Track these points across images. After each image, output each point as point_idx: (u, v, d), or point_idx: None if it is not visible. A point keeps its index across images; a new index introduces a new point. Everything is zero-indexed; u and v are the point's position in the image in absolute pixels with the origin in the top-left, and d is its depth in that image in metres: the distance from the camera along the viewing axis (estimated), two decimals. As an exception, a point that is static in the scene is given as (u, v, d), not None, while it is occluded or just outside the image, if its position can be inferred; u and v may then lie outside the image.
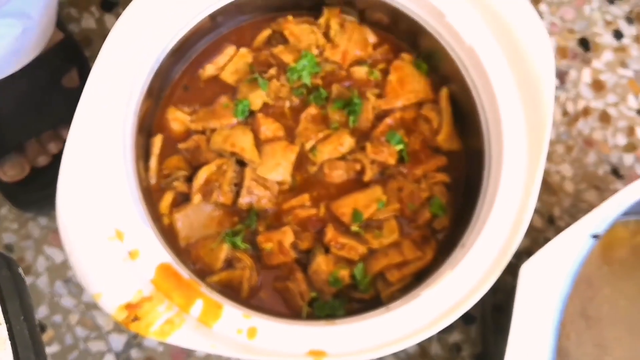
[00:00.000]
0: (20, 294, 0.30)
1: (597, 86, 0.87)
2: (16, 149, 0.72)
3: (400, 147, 0.68)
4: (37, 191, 0.73)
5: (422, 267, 0.67)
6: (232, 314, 0.56)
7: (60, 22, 0.77)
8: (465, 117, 0.70)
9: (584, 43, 0.88)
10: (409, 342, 0.56)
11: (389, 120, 0.69)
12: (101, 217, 0.56)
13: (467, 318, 0.79)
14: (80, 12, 0.82)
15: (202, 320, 0.55)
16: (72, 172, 0.57)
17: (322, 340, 0.56)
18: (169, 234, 0.65)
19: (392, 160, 0.68)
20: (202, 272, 0.65)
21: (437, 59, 0.71)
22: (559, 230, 0.82)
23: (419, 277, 0.67)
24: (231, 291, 0.65)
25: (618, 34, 0.88)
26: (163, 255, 0.57)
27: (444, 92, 0.71)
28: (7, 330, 0.29)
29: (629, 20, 0.89)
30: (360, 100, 0.70)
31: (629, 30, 0.89)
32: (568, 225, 0.83)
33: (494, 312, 0.79)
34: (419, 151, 0.70)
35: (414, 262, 0.67)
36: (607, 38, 0.88)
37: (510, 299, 0.77)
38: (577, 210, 0.83)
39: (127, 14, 0.63)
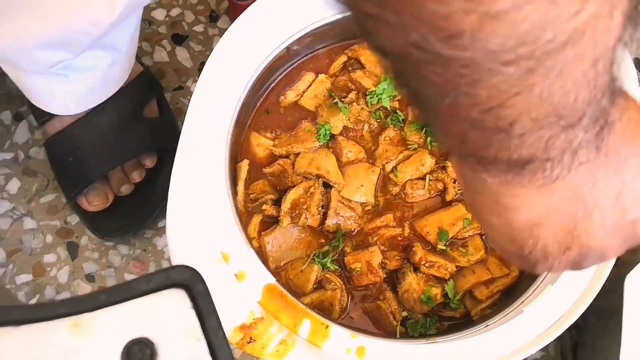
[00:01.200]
0: (215, 310, 0.31)
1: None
2: (101, 178, 0.73)
3: (481, 166, 0.70)
4: (120, 219, 0.75)
5: (510, 283, 0.68)
6: (340, 333, 0.56)
7: (137, 56, 0.79)
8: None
9: (636, 63, 0.90)
10: (517, 358, 0.56)
11: (468, 140, 0.71)
12: (207, 240, 0.57)
13: (545, 335, 0.79)
14: (152, 45, 0.84)
15: (310, 340, 0.56)
16: (179, 200, 0.58)
17: (431, 358, 0.56)
18: (259, 258, 0.66)
19: (473, 179, 0.69)
20: (293, 294, 0.65)
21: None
22: (628, 245, 0.83)
23: (507, 294, 0.68)
24: (322, 312, 0.65)
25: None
26: (267, 276, 0.58)
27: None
28: (207, 347, 0.30)
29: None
30: (437, 121, 0.71)
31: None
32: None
33: (570, 327, 0.79)
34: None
35: (501, 279, 0.67)
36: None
37: (587, 314, 0.78)
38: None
39: (216, 51, 0.64)
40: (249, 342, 0.53)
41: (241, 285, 0.56)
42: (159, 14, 0.86)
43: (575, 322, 0.82)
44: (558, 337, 0.80)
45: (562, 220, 0.32)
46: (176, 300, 0.30)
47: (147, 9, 0.86)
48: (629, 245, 0.35)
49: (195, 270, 0.31)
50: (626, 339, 0.53)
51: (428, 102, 0.26)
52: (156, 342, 0.28)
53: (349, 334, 0.56)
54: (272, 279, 0.58)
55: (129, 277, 0.77)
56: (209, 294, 0.30)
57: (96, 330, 0.28)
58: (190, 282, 0.31)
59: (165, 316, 0.29)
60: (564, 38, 0.23)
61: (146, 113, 0.75)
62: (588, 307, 0.78)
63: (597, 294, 0.75)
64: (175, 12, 0.86)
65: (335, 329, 0.56)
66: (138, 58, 0.79)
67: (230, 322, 0.54)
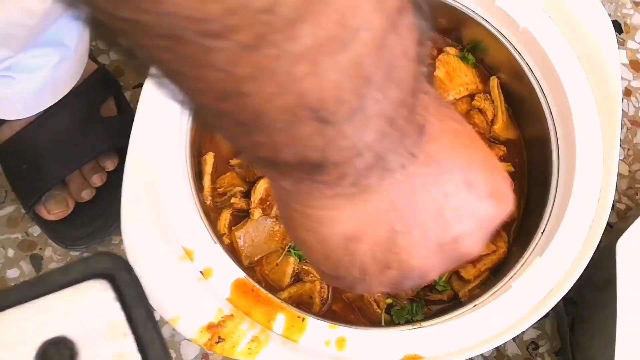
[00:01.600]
0: (144, 300, 0.27)
1: (636, 66, 0.86)
2: (59, 184, 0.69)
3: (458, 139, 0.66)
4: (84, 227, 0.70)
5: (497, 261, 0.64)
6: (317, 325, 0.52)
7: (91, 54, 0.75)
8: (521, 104, 0.68)
9: (616, 25, 0.87)
10: (508, 335, 0.52)
11: (443, 114, 0.67)
12: (168, 238, 0.53)
13: (540, 314, 0.75)
14: (107, 43, 0.80)
15: (286, 335, 0.52)
16: (134, 196, 0.54)
17: (416, 344, 0.52)
18: (231, 254, 0.62)
19: (451, 154, 0.66)
20: (270, 290, 0.61)
21: (483, 48, 0.69)
22: (619, 214, 0.80)
23: (495, 272, 0.64)
24: (302, 307, 0.61)
25: (648, 13, 0.88)
26: (237, 271, 0.54)
27: (494, 82, 0.69)
28: (136, 342, 0.26)
29: (657, -2, 0.88)
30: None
31: (658, 8, 0.88)
32: (629, 207, 0.81)
33: (566, 304, 0.76)
34: (475, 143, 0.68)
35: (488, 257, 0.64)
36: (638, 18, 0.87)
37: (582, 288, 0.74)
38: (635, 191, 0.81)
39: None
40: (217, 342, 0.49)
41: (208, 283, 0.52)
42: (113, 11, 0.81)
43: (571, 298, 0.78)
44: (555, 314, 0.77)
45: (379, 235, 0.28)
46: (98, 292, 0.26)
47: (100, 6, 0.82)
48: (452, 265, 0.31)
49: (118, 256, 0.27)
50: (621, 306, 0.50)
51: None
52: (76, 340, 0.25)
53: (327, 325, 0.52)
54: (241, 274, 0.54)
55: (98, 287, 0.72)
56: (137, 283, 0.26)
57: (6, 332, 0.24)
58: (113, 270, 0.27)
59: (86, 311, 0.25)
60: (288, 10, 0.18)
61: (103, 113, 0.71)
62: (583, 280, 0.74)
63: (591, 266, 0.72)
64: (130, 7, 0.82)
65: (312, 321, 0.53)
66: (93, 56, 0.75)
67: (197, 322, 0.50)
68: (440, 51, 0.71)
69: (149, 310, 0.27)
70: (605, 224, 0.54)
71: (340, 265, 0.29)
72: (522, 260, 0.59)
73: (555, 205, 0.60)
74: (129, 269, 0.27)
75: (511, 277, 0.58)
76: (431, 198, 0.28)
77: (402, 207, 0.27)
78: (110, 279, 0.26)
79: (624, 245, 0.52)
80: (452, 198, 0.28)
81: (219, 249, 0.55)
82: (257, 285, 0.54)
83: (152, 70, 0.21)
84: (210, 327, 0.50)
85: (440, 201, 0.28)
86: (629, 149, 0.82)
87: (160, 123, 0.57)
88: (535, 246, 0.59)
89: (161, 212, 0.54)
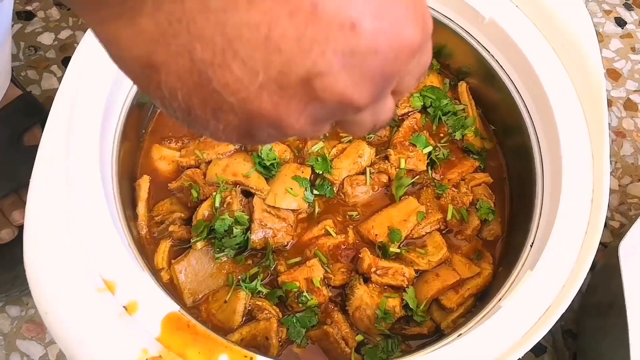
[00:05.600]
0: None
1: (614, 75, 0.80)
2: (-27, 223, 0.59)
3: (429, 149, 0.59)
4: (4, 272, 0.60)
5: (483, 285, 0.55)
6: (269, 365, 0.43)
7: (18, 84, 0.67)
8: (495, 109, 0.61)
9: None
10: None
11: (409, 122, 0.60)
12: (84, 268, 0.44)
13: (536, 349, 0.66)
14: (39, 72, 0.73)
15: (231, 380, 0.42)
16: (41, 221, 0.45)
17: (390, 382, 0.43)
18: (171, 292, 0.53)
19: (422, 166, 0.58)
20: (218, 332, 0.51)
21: (448, 53, 0.63)
22: (613, 232, 0.72)
23: (481, 299, 0.55)
24: (257, 350, 0.51)
25: (620, 21, 0.83)
26: (169, 304, 0.44)
27: (462, 87, 0.63)
28: None
29: (628, 6, 0.84)
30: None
31: (630, 17, 0.84)
32: (622, 225, 0.74)
33: (565, 337, 0.67)
34: (448, 154, 0.60)
35: (471, 280, 0.55)
36: (610, 27, 0.83)
37: (581, 318, 0.65)
38: (628, 207, 0.73)
39: (84, 46, 0.52)
40: (141, 392, 0.39)
41: (132, 319, 0.43)
42: (46, 38, 0.75)
43: (569, 330, 0.69)
44: (553, 350, 0.68)
45: (181, 65, 0.22)
46: None
47: (32, 34, 0.75)
48: (316, 115, 0.23)
49: None
50: (630, 298, 0.41)
51: None
52: None
53: (281, 365, 0.43)
54: (174, 307, 0.44)
55: (22, 344, 0.62)
56: None
57: None
58: None
59: None
60: None
61: (27, 141, 0.63)
62: (581, 309, 0.66)
63: (588, 292, 0.63)
64: (65, 34, 0.75)
65: (263, 362, 0.43)
66: (18, 83, 0.67)
67: (114, 367, 0.40)
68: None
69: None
70: (603, 220, 0.46)
71: (155, 97, 0.23)
72: (510, 278, 0.50)
73: (542, 215, 0.52)
74: None
75: (500, 298, 0.49)
76: (251, 20, 0.20)
77: (196, 23, 0.21)
78: None
79: (626, 247, 0.44)
80: (287, 22, 0.20)
81: (147, 280, 0.45)
82: (193, 320, 0.44)
83: None
84: (132, 373, 0.40)
85: (265, 26, 0.20)
86: (616, 162, 0.76)
87: (75, 142, 0.49)
88: (524, 261, 0.51)
89: (76, 240, 0.45)
